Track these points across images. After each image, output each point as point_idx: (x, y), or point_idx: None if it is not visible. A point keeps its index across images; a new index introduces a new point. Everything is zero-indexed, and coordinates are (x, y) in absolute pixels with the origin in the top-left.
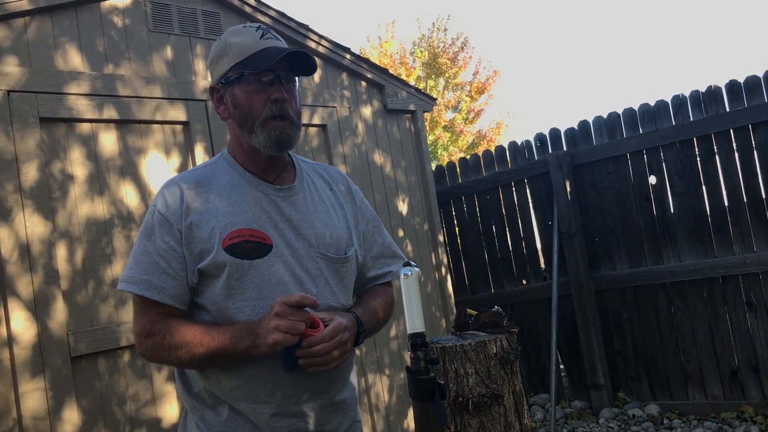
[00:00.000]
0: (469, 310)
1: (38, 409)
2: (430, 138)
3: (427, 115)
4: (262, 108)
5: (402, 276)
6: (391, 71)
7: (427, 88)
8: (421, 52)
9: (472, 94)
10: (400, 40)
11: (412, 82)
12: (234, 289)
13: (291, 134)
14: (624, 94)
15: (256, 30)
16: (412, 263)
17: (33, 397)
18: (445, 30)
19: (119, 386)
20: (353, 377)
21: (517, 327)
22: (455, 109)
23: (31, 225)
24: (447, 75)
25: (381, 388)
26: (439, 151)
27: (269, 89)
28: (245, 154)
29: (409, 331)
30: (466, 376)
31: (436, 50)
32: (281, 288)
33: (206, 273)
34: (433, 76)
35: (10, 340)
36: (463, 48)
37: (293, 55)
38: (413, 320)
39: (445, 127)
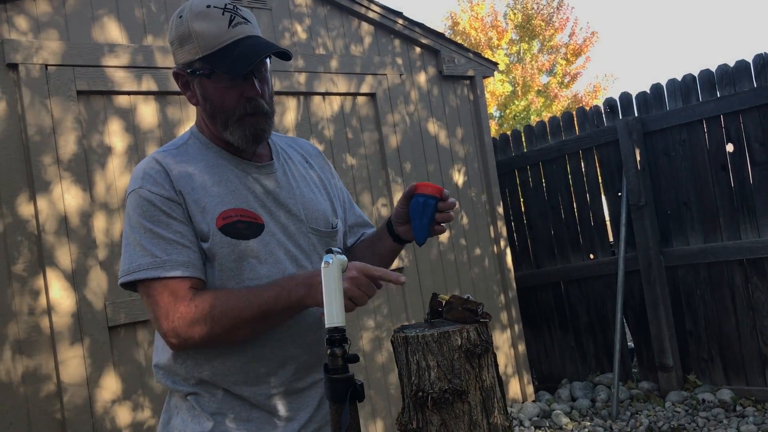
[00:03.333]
0: (441, 296)
1: (77, 376)
2: (522, 103)
3: (519, 79)
4: (236, 104)
5: (323, 264)
6: (481, 35)
7: (521, 51)
8: (514, 13)
9: (568, 56)
10: (492, 2)
11: (504, 46)
12: (231, 271)
13: (266, 128)
14: (720, 53)
15: (223, 13)
16: (335, 249)
17: (72, 364)
18: None
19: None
20: None
21: (490, 317)
22: (550, 72)
23: (69, 197)
24: (541, 37)
25: None
26: (531, 117)
27: (243, 85)
28: (215, 135)
29: (327, 325)
30: (427, 369)
31: (530, 11)
32: (278, 267)
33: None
34: (526, 39)
35: (49, 309)
36: (559, 9)
37: (269, 52)
38: (332, 313)
39: (538, 92)
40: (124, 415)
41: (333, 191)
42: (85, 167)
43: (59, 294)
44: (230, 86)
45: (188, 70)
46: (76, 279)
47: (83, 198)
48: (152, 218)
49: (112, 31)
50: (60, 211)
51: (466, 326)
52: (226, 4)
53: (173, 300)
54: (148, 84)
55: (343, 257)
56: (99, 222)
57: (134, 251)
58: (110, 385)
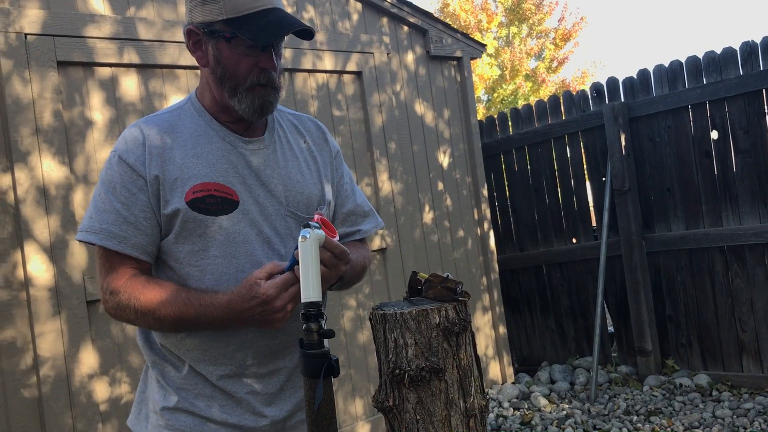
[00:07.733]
0: (420, 274)
1: (55, 350)
2: (510, 87)
3: (507, 63)
4: (248, 73)
5: (300, 238)
6: (471, 17)
7: (510, 35)
8: None
9: (557, 41)
10: None
11: (493, 29)
12: (197, 246)
13: (273, 101)
14: (708, 40)
15: None
16: (312, 224)
17: (49, 338)
18: None
19: (135, 332)
20: None
21: (469, 296)
22: (538, 57)
23: (48, 169)
24: (531, 21)
25: None
26: (519, 101)
27: (259, 55)
28: (215, 103)
29: (303, 300)
30: (405, 347)
31: None
32: (247, 247)
33: (168, 228)
34: (516, 23)
35: (26, 282)
36: None
37: (296, 28)
38: (308, 288)
39: (526, 76)
40: (101, 389)
41: (327, 172)
42: (65, 139)
43: (37, 267)
44: (247, 54)
45: (206, 30)
46: (54, 252)
47: (62, 170)
48: (109, 183)
49: (95, 2)
50: (39, 183)
51: (445, 305)
52: None
53: (112, 275)
54: (130, 56)
55: (321, 232)
56: (78, 195)
57: (89, 210)
58: (88, 359)
